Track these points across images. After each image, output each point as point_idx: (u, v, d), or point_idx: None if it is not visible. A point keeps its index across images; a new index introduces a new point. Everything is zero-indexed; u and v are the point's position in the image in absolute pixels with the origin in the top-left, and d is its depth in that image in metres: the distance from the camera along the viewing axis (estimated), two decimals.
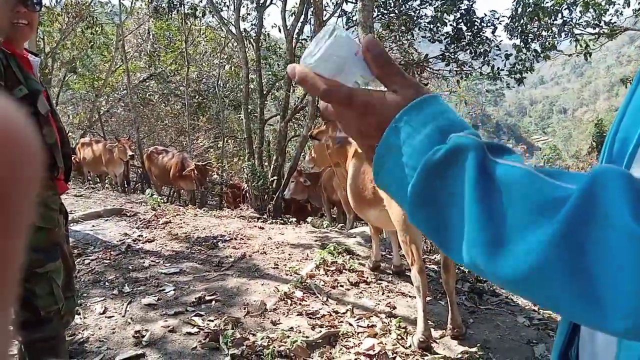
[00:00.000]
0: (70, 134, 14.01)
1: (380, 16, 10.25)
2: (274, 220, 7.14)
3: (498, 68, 9.81)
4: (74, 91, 15.74)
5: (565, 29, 9.61)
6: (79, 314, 2.96)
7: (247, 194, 9.24)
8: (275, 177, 9.22)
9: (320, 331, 2.91)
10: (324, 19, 8.89)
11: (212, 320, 2.97)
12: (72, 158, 3.16)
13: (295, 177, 9.09)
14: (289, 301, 3.35)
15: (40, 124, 1.93)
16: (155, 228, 5.23)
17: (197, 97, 14.92)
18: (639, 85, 0.56)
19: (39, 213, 1.93)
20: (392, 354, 2.68)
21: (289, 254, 4.47)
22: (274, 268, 4.05)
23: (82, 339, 2.73)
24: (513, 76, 9.76)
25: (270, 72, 11.51)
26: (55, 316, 2.03)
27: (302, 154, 9.79)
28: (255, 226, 5.72)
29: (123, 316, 3.03)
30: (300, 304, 3.33)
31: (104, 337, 2.76)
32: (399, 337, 2.91)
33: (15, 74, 1.86)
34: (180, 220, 5.67)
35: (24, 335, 1.97)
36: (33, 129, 0.17)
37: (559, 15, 9.36)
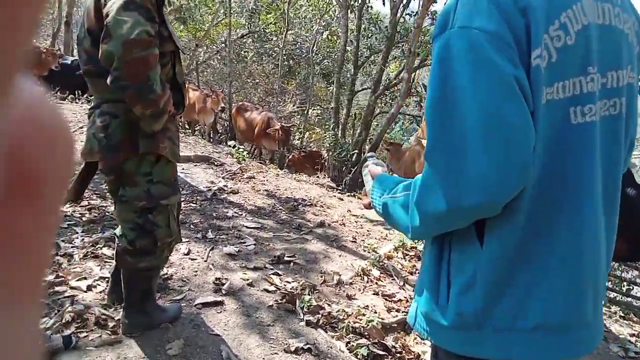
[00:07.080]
0: None
1: None
2: (349, 194, 7.05)
3: None
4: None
5: None
6: None
7: (326, 163, 9.21)
8: (356, 151, 9.09)
9: (396, 315, 2.81)
10: None
11: (290, 282, 2.96)
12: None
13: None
14: (365, 278, 3.26)
15: (174, 61, 1.97)
16: (240, 181, 5.33)
17: (289, 60, 14.97)
18: None
19: (169, 148, 1.96)
20: None
21: (368, 230, 4.37)
22: (352, 242, 3.97)
23: (166, 276, 2.81)
24: None
25: (367, 45, 11.25)
26: (165, 248, 2.08)
27: (388, 131, 9.53)
28: (335, 196, 5.67)
29: (205, 261, 3.10)
30: (376, 283, 3.24)
31: (186, 278, 2.83)
32: None
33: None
34: (264, 177, 5.73)
35: (131, 262, 2.02)
36: (63, 116, 0.16)
37: None
